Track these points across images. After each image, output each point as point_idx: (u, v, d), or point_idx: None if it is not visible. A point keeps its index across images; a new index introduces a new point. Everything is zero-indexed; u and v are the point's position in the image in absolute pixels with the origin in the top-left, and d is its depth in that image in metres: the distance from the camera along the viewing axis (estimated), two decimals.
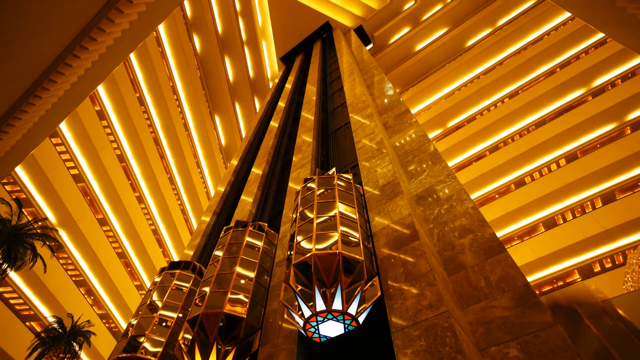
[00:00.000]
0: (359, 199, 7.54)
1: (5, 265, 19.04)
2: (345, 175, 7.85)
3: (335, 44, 28.93)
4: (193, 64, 37.51)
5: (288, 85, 26.83)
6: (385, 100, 13.55)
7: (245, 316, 6.45)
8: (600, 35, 26.33)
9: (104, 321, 32.31)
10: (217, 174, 45.29)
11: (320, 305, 5.32)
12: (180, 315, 8.17)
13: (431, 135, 32.88)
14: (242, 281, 7.23)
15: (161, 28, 33.21)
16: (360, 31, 36.84)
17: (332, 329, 5.55)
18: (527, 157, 25.74)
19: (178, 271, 9.18)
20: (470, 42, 34.53)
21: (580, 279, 21.03)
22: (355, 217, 6.60)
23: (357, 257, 5.57)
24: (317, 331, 5.60)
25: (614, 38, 10.53)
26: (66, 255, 29.12)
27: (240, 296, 6.85)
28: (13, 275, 24.84)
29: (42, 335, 22.66)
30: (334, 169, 8.84)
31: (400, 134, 10.57)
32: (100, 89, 29.26)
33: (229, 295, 6.66)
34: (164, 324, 7.94)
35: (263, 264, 8.01)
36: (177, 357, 6.56)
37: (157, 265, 36.92)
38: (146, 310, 8.24)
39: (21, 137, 12.39)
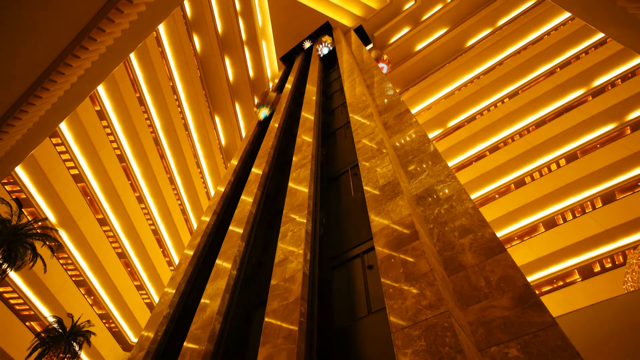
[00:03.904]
0: None
1: (5, 265, 19.05)
2: None
3: (335, 43, 28.90)
4: (193, 64, 37.47)
5: (288, 85, 26.81)
6: (385, 100, 13.53)
7: None
8: (600, 35, 26.31)
9: (104, 321, 32.31)
10: (217, 174, 45.25)
11: None
12: None
13: (431, 135, 32.88)
14: None
15: (161, 28, 33.18)
16: (360, 31, 36.80)
17: None
18: (527, 157, 25.73)
19: None
20: (470, 42, 34.51)
21: (580, 279, 21.03)
22: None
23: None
24: None
25: (614, 38, 10.52)
26: (66, 255, 29.12)
27: None
28: (13, 275, 24.83)
29: (42, 335, 22.68)
30: None
31: (400, 134, 10.55)
32: (100, 89, 29.25)
33: None
34: None
35: None
36: None
37: (157, 265, 36.93)
38: None
39: (21, 137, 12.39)
